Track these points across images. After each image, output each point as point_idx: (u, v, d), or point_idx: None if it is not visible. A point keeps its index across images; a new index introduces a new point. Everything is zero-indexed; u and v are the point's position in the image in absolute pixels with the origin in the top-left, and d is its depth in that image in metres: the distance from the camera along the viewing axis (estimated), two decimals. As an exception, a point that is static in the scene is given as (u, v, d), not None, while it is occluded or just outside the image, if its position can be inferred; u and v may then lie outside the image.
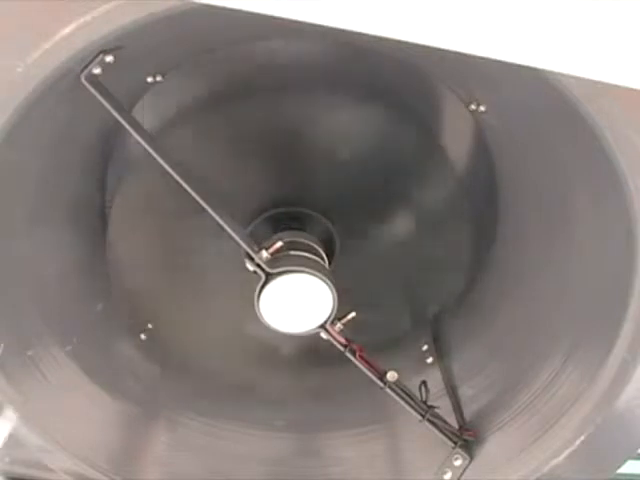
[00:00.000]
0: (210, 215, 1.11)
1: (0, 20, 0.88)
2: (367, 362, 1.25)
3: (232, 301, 1.50)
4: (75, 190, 1.35)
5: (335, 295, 1.20)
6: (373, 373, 1.26)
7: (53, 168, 1.22)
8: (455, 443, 1.28)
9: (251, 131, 1.43)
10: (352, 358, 1.24)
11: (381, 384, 1.25)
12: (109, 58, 0.99)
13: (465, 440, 1.28)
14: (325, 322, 1.21)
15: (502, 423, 1.28)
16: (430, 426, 1.27)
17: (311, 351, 1.49)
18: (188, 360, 1.52)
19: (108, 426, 1.36)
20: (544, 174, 1.29)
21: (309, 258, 1.27)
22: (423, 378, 1.33)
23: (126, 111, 1.11)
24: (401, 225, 1.54)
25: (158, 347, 1.51)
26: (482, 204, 1.49)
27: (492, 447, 1.28)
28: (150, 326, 1.52)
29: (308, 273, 1.19)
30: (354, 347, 1.24)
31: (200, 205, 1.10)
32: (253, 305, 1.20)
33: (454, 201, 1.51)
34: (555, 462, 1.20)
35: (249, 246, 1.16)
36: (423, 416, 1.27)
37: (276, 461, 1.42)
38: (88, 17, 0.89)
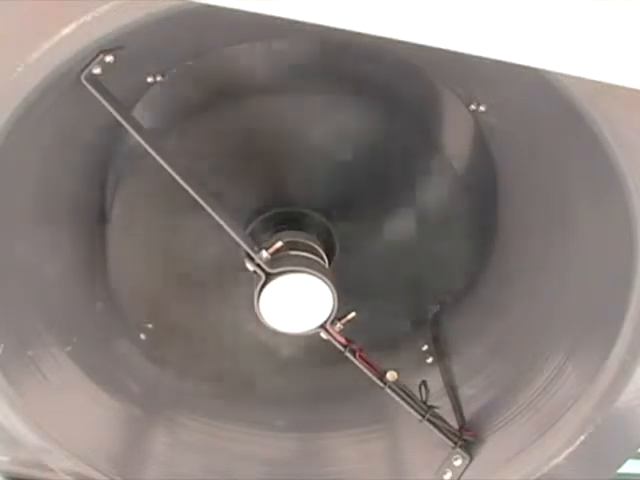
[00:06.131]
0: (210, 215, 1.11)
1: (0, 20, 0.89)
2: (367, 362, 1.25)
3: (232, 301, 1.50)
4: (75, 190, 1.35)
5: (335, 295, 1.20)
6: (373, 373, 1.25)
7: (53, 168, 1.22)
8: (455, 443, 1.28)
9: (251, 131, 1.43)
10: (352, 358, 1.24)
11: (381, 384, 1.25)
12: (109, 58, 0.99)
13: (465, 440, 1.28)
14: (325, 322, 1.21)
15: (502, 423, 1.28)
16: (430, 426, 1.27)
17: (311, 351, 1.49)
18: (188, 360, 1.52)
19: (108, 426, 1.36)
20: (544, 174, 1.29)
21: (309, 258, 1.27)
22: (423, 378, 1.33)
23: (126, 111, 1.11)
24: (401, 225, 1.54)
25: (158, 347, 1.51)
26: (482, 204, 1.49)
27: (492, 447, 1.28)
28: (150, 326, 1.52)
29: (308, 273, 1.19)
30: (354, 347, 1.24)
31: (200, 205, 1.10)
32: (253, 305, 1.20)
33: (454, 201, 1.51)
34: (555, 462, 1.20)
35: (249, 246, 1.16)
36: (423, 416, 1.27)
37: (276, 461, 1.42)
38: (88, 17, 0.89)
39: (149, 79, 1.31)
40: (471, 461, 1.27)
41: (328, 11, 0.79)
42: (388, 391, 1.25)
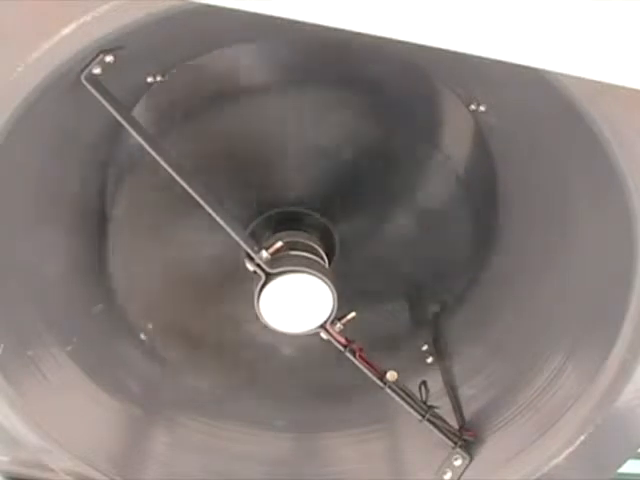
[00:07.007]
0: (210, 215, 1.11)
1: (0, 20, 0.89)
2: (367, 362, 1.25)
3: (232, 301, 1.50)
4: (75, 190, 1.35)
5: (335, 295, 1.20)
6: (373, 373, 1.26)
7: (53, 168, 1.22)
8: (455, 443, 1.28)
9: (251, 131, 1.43)
10: (352, 358, 1.24)
11: (381, 384, 1.25)
12: (109, 58, 0.99)
13: (465, 440, 1.28)
14: (325, 322, 1.21)
15: (502, 423, 1.28)
16: (430, 426, 1.28)
17: (311, 351, 1.49)
18: (188, 360, 1.52)
19: (108, 426, 1.36)
20: (544, 174, 1.29)
21: (309, 258, 1.27)
22: (423, 378, 1.33)
23: (126, 111, 1.11)
24: (401, 225, 1.54)
25: (158, 347, 1.51)
26: (482, 204, 1.49)
27: (492, 447, 1.28)
28: (150, 326, 1.52)
29: (308, 273, 1.19)
30: (354, 347, 1.24)
31: (200, 205, 1.11)
32: (253, 305, 1.20)
33: (454, 201, 1.51)
34: (555, 462, 1.20)
35: (249, 246, 1.16)
36: (423, 416, 1.27)
37: (276, 461, 1.42)
38: (88, 17, 0.89)
39: (149, 79, 1.31)
40: (471, 461, 1.27)
41: (328, 11, 0.79)
42: (388, 391, 1.25)
